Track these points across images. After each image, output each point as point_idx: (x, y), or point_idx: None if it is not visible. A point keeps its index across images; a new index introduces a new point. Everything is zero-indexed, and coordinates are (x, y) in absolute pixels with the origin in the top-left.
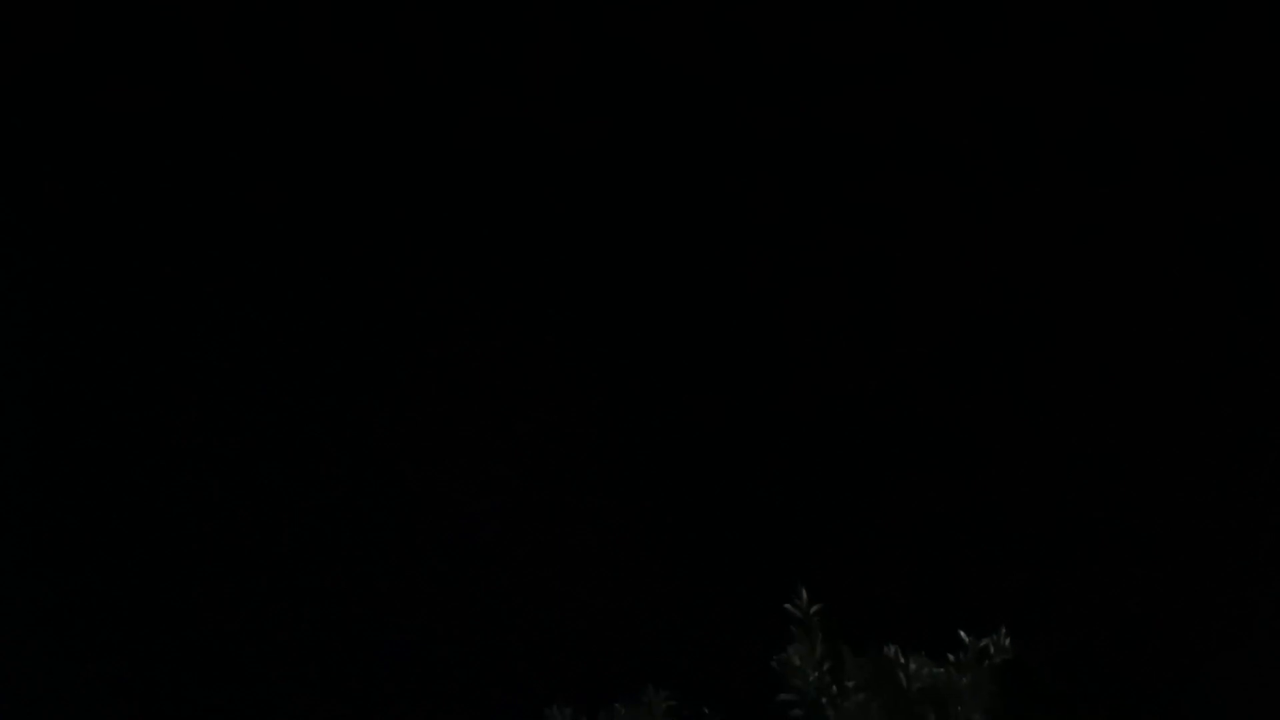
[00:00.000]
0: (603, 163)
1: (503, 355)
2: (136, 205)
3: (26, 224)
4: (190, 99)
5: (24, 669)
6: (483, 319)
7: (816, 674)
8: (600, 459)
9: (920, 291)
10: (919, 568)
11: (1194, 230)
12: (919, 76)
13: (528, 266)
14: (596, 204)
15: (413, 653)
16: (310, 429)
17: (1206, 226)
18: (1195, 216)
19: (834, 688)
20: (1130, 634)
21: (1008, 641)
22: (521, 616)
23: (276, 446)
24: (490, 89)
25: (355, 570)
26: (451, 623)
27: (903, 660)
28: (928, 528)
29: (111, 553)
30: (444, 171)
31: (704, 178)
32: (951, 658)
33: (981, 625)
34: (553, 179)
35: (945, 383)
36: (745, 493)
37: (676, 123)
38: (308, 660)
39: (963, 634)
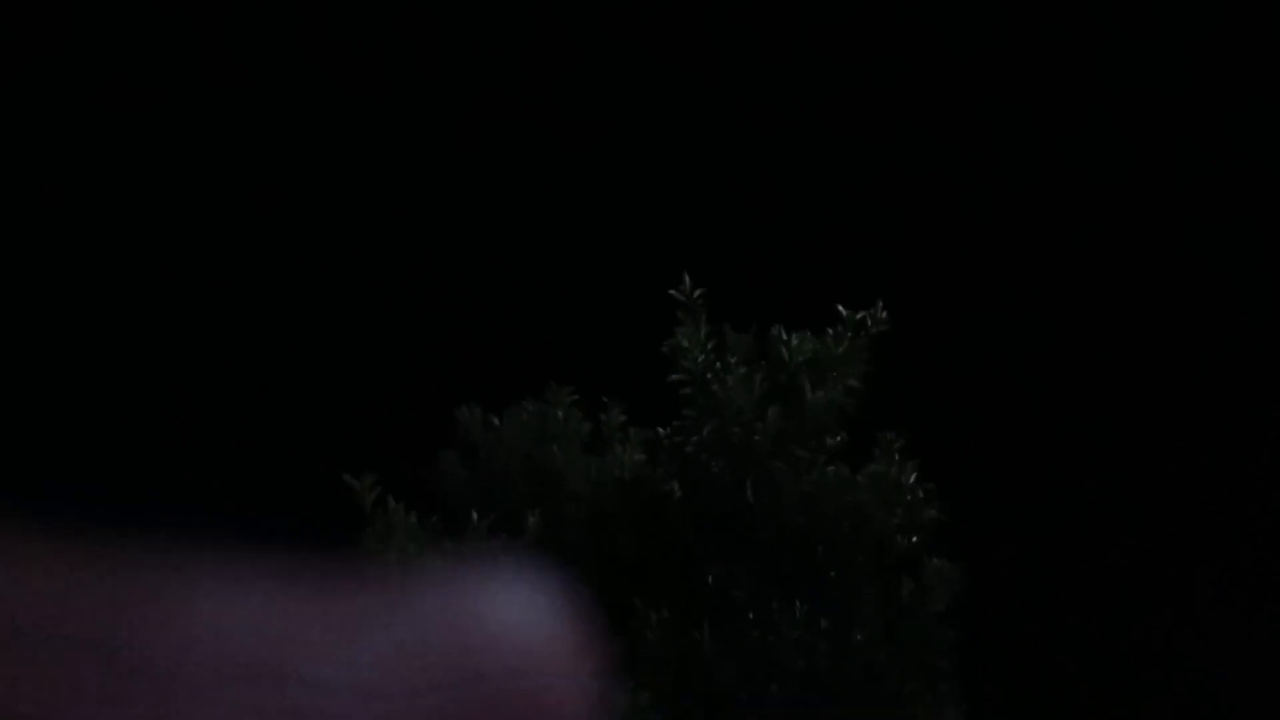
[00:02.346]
0: (603, 163)
1: (503, 355)
2: (137, 205)
3: (26, 224)
4: (190, 99)
5: None
6: (483, 319)
7: (703, 355)
8: None
9: (920, 291)
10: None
11: (1194, 230)
12: (919, 76)
13: (527, 266)
14: (596, 204)
15: None
16: (310, 429)
17: (1206, 226)
18: (1195, 216)
19: (718, 364)
20: (1121, 611)
21: (884, 314)
22: None
23: (276, 446)
24: (490, 89)
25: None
26: None
27: (785, 337)
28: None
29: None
30: (444, 171)
31: (704, 178)
32: (830, 331)
33: (860, 300)
34: (553, 179)
35: (940, 374)
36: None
37: (676, 123)
38: None
39: (840, 308)
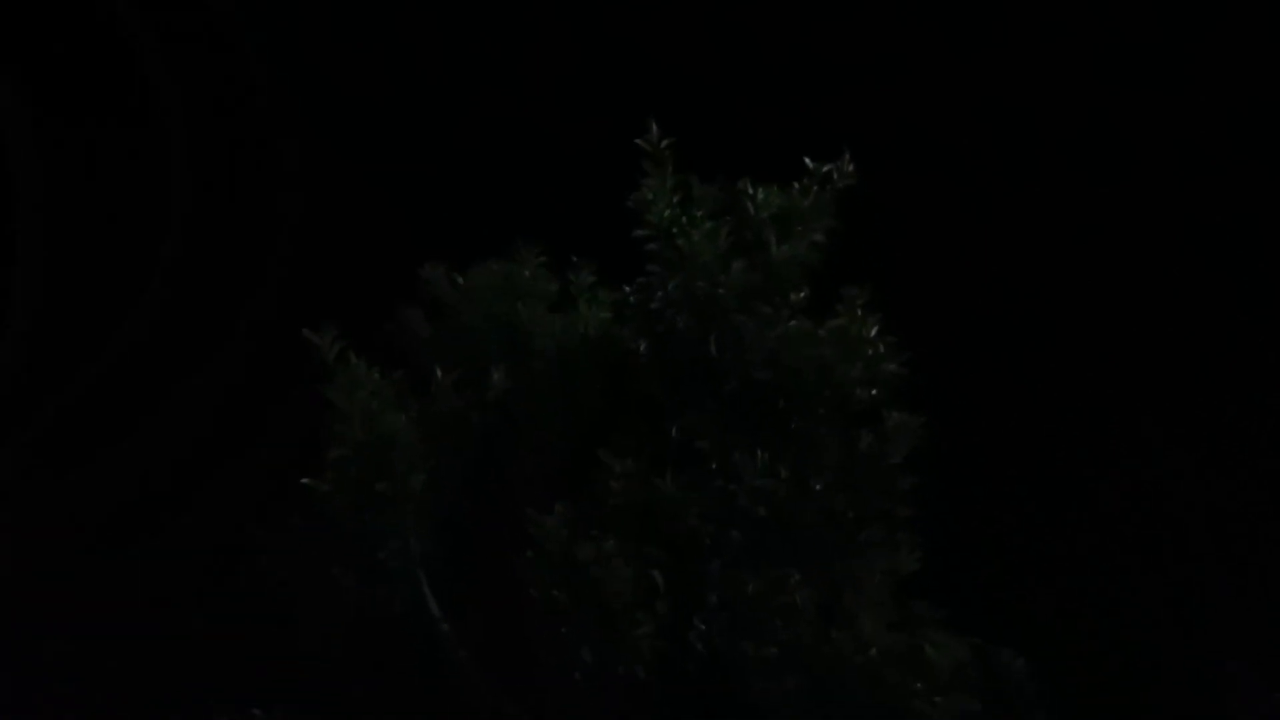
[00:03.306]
0: (603, 162)
1: (469, 213)
2: None
3: None
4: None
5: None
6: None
7: (669, 209)
8: None
9: (919, 291)
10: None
11: (1194, 230)
12: (919, 76)
13: (496, 123)
14: (597, 204)
15: None
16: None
17: (1206, 226)
18: (1195, 216)
19: (684, 218)
20: (1083, 454)
21: (851, 167)
22: None
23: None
24: (490, 89)
25: None
26: None
27: (751, 190)
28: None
29: None
30: (444, 171)
31: (703, 177)
32: (797, 185)
33: (827, 153)
34: (553, 179)
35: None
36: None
37: (677, 123)
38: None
39: (807, 160)
